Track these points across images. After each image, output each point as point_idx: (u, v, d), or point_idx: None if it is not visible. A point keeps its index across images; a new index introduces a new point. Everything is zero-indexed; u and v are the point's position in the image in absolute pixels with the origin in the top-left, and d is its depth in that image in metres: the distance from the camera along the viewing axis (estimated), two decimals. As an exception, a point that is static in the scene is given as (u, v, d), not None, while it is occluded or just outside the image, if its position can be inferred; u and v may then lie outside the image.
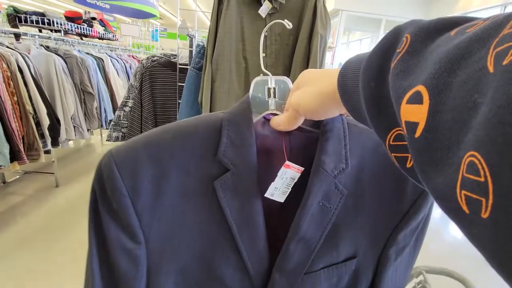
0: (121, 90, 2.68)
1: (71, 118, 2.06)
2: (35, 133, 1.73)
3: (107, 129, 2.42)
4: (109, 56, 2.69)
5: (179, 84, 1.22)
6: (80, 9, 3.41)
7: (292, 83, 0.34)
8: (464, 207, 0.12)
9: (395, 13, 4.51)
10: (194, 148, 0.32)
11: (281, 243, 0.34)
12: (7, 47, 1.75)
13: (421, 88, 0.15)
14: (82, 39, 2.85)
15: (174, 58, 1.26)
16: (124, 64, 2.89)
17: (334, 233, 0.34)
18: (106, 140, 1.27)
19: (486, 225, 0.11)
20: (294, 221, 0.33)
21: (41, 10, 2.51)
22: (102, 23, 3.29)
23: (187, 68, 1.17)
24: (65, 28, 2.52)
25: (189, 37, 1.19)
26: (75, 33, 2.71)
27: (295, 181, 0.34)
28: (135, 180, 0.30)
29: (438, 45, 0.15)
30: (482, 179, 0.11)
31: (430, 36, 0.16)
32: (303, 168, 0.33)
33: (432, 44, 0.16)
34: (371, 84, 0.19)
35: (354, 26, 5.91)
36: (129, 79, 2.82)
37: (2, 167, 1.58)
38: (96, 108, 2.33)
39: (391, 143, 0.19)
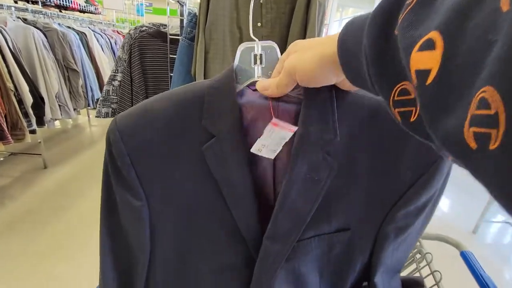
0: (106, 67, 2.55)
1: (56, 96, 1.96)
2: (18, 111, 1.64)
3: (94, 108, 2.34)
4: (92, 30, 2.54)
5: (171, 56, 1.16)
6: (57, -21, 3.16)
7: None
8: (472, 144, 0.12)
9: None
10: (184, 115, 0.33)
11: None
12: (-20, 18, 1.62)
13: (434, 34, 0.15)
14: (61, 11, 2.67)
15: (164, 28, 1.19)
16: (108, 39, 2.74)
17: (326, 204, 0.34)
18: (96, 116, 1.21)
19: (495, 156, 0.11)
20: (280, 193, 0.32)
21: (14, -21, 2.31)
22: (83, -6, 3.08)
23: (178, 39, 1.11)
24: (43, -1, 2.35)
25: (180, 4, 1.11)
26: (53, 4, 2.53)
27: (286, 140, 0.32)
28: (133, 142, 0.33)
29: None
30: (493, 112, 0.11)
31: None
32: (296, 128, 0.31)
33: None
34: (378, 41, 0.19)
35: (347, 3, 5.75)
36: (115, 56, 2.69)
37: (-15, 147, 1.51)
38: (81, 86, 2.23)
39: (395, 98, 0.19)
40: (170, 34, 1.15)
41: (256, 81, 0.33)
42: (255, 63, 0.33)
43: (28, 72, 1.73)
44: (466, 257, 0.56)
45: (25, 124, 1.69)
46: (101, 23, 3.16)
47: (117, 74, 1.19)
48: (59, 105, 2.01)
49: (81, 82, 2.20)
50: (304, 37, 1.09)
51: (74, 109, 2.17)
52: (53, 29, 2.02)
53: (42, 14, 2.24)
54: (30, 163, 2.19)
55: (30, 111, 1.71)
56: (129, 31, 1.19)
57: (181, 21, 1.14)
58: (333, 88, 0.31)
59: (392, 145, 0.33)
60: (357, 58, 0.21)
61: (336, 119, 0.31)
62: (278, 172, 0.36)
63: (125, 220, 0.36)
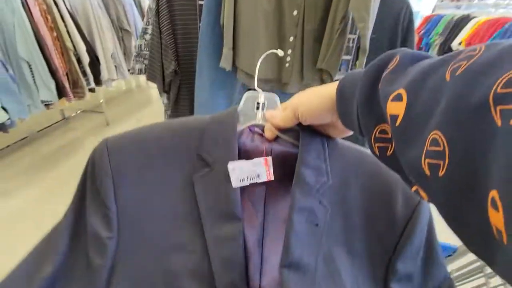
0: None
1: (111, 56, 2.06)
2: (77, 70, 1.77)
3: (148, 69, 2.42)
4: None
5: (199, 2, 1.03)
6: None
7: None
8: (427, 171, 0.18)
9: None
10: (180, 143, 0.34)
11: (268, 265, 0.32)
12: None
13: (402, 90, 0.21)
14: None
15: (193, -31, 1.05)
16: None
17: (330, 259, 0.33)
18: (130, 73, 1.20)
19: (442, 180, 0.16)
20: (283, 242, 0.31)
21: None
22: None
23: (207, -19, 0.96)
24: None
25: None
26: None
27: (257, 180, 0.33)
28: (120, 165, 0.33)
29: (416, 66, 0.22)
30: (441, 148, 0.16)
31: (413, 61, 0.23)
32: (272, 178, 0.33)
33: (413, 66, 0.22)
34: (367, 91, 0.25)
35: None
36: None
37: (51, 103, 1.68)
38: (134, 47, 2.29)
39: (376, 135, 0.25)
40: (199, -24, 1.01)
41: (257, 124, 0.36)
42: (257, 108, 0.37)
43: (85, 32, 1.82)
44: None
45: (84, 82, 1.82)
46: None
47: (148, 26, 1.13)
48: (115, 66, 2.12)
49: (134, 43, 2.26)
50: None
51: (128, 70, 2.26)
52: (107, -11, 2.06)
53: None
54: (96, 120, 2.44)
55: (88, 70, 1.83)
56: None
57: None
58: (325, 137, 0.35)
59: (383, 197, 0.34)
60: (350, 103, 0.27)
61: (328, 164, 0.33)
62: (268, 206, 0.35)
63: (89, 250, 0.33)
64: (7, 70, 1.42)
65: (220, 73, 1.00)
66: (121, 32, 2.18)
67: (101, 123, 2.39)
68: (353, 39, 0.95)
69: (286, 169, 0.34)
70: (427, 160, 0.17)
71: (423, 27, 3.10)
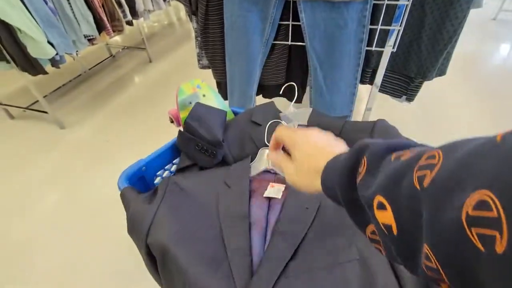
0: None
1: (145, -16, 1.93)
2: (112, 1, 1.71)
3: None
4: None
5: None
6: None
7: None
8: (430, 273, 0.17)
9: None
10: (214, 176, 0.56)
11: None
12: None
13: (381, 198, 0.21)
14: None
15: None
16: None
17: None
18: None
19: (425, 274, 0.18)
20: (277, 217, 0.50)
21: None
22: None
23: None
24: None
25: None
26: None
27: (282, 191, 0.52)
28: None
29: (384, 166, 0.22)
30: (434, 266, 0.16)
31: (379, 159, 0.23)
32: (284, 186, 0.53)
33: (381, 165, 0.23)
34: (347, 194, 0.26)
35: None
36: None
37: (94, 38, 1.69)
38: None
39: (369, 236, 0.25)
40: None
41: (267, 169, 0.55)
42: (267, 158, 0.56)
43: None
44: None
45: (120, 14, 1.77)
46: None
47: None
48: (150, -5, 2.00)
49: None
50: None
51: (164, 0, 2.13)
52: None
53: None
54: (139, 58, 2.47)
55: (123, 1, 1.76)
56: None
57: None
58: None
59: None
60: (336, 197, 0.28)
61: None
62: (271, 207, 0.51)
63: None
64: (46, 2, 1.42)
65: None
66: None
67: (144, 60, 2.41)
68: None
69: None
70: (428, 272, 0.17)
71: None
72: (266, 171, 0.55)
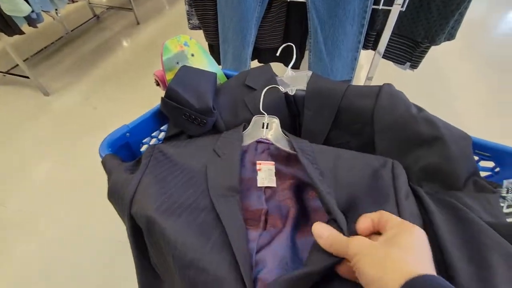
0: None
1: None
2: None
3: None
4: None
5: None
6: None
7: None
8: None
9: None
10: (203, 146, 0.49)
11: None
12: None
13: None
14: None
15: None
16: None
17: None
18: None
19: None
20: None
21: None
22: None
23: None
24: None
25: None
26: None
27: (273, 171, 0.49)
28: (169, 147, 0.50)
29: None
30: None
31: None
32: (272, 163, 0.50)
33: None
34: None
35: None
36: None
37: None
38: None
39: None
40: None
41: (262, 139, 0.50)
42: (262, 127, 0.50)
43: None
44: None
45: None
46: None
47: None
48: None
49: None
50: None
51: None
52: None
53: None
54: (126, 19, 2.29)
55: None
56: None
57: None
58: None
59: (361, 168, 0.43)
60: None
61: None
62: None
63: None
64: (14, -50, 1.26)
65: None
66: None
67: (131, 22, 2.24)
68: None
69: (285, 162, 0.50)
70: None
71: None
72: (260, 141, 0.51)
